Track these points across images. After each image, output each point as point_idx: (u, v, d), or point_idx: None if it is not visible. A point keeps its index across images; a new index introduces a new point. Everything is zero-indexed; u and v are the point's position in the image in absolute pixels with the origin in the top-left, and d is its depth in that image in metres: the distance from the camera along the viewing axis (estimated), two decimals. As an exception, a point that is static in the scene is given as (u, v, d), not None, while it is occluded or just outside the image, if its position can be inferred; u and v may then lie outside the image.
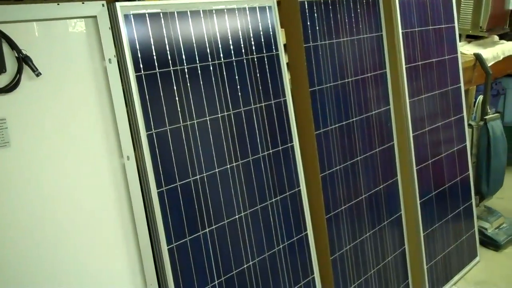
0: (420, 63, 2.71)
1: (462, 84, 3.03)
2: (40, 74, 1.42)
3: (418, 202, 2.70)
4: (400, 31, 2.56)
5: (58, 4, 1.47)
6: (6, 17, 1.38)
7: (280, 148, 2.04)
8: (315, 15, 2.20)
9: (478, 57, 3.39)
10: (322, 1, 2.22)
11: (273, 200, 2.01)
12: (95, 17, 1.55)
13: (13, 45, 1.38)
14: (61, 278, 1.49)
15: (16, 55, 1.39)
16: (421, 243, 2.74)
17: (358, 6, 2.39)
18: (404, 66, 2.58)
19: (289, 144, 2.07)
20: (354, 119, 2.37)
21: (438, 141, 2.86)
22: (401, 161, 2.62)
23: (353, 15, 2.37)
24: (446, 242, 2.92)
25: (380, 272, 2.52)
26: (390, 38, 2.54)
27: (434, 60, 2.83)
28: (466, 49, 3.48)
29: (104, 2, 1.56)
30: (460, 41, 3.28)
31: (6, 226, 1.39)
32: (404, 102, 2.61)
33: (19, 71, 1.39)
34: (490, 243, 3.34)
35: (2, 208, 1.38)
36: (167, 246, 1.68)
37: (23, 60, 1.40)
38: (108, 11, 1.58)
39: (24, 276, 1.42)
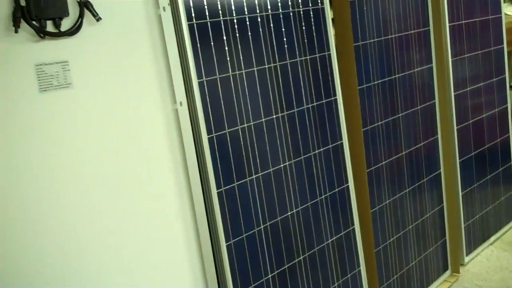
0: (463, 22, 2.70)
1: (505, 45, 3.00)
2: (100, 19, 1.48)
3: (458, 161, 2.72)
4: (445, -12, 2.55)
5: (116, -49, 1.53)
6: (67, -36, 1.44)
7: (324, 101, 2.08)
8: (361, -30, 2.20)
9: (522, 18, 3.33)
10: (367, -44, 2.23)
11: (316, 151, 2.06)
12: (150, -35, 1.60)
13: (75, -10, 1.45)
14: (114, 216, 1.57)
15: (78, 0, 1.45)
16: (459, 202, 2.76)
17: (403, -38, 2.39)
18: (447, 24, 2.58)
19: (332, 98, 2.11)
20: (397, 75, 2.39)
21: (479, 102, 2.86)
22: (442, 119, 2.63)
23: (398, -29, 2.36)
24: (484, 202, 2.94)
25: (418, 228, 2.56)
26: (434, -5, 2.53)
27: (477, 19, 2.81)
28: (509, 10, 3.43)
29: (159, -49, 1.61)
30: (504, 1, 3.23)
31: (67, 163, 1.47)
32: (447, 60, 2.61)
33: (81, 16, 1.46)
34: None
35: (67, 148, 1.46)
36: (217, 190, 1.75)
37: (85, 4, 1.46)
38: (163, -40, 1.62)
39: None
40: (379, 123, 2.32)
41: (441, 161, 2.66)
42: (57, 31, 1.42)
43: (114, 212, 1.56)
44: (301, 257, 2.01)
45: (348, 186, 2.17)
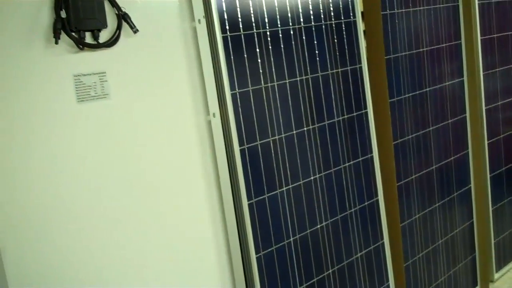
0: (495, 35, 2.67)
1: (537, 59, 2.96)
2: (138, 31, 1.50)
3: (488, 176, 2.68)
4: (477, 1, 2.53)
5: (154, -35, 1.55)
6: (106, -23, 1.46)
7: (355, 114, 2.07)
8: (393, -17, 2.20)
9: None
10: (400, -31, 2.22)
11: (346, 164, 2.05)
12: (186, -22, 1.62)
13: (113, 3, 1.47)
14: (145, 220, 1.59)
15: (116, 12, 1.48)
16: (489, 218, 2.72)
17: (435, -24, 2.38)
18: (479, 38, 2.55)
19: (363, 111, 2.10)
20: (428, 89, 2.37)
21: (510, 116, 2.82)
22: (473, 134, 2.60)
23: (430, -16, 2.36)
24: (515, 218, 2.89)
25: (448, 244, 2.52)
26: (466, 8, 2.51)
27: (509, 33, 2.78)
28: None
29: (196, -36, 1.63)
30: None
31: (104, 171, 1.49)
32: (478, 74, 2.58)
33: (119, 27, 1.48)
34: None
35: (102, 155, 1.48)
36: (248, 201, 1.75)
37: (123, 17, 1.48)
38: (199, -27, 1.65)
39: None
40: (410, 136, 2.30)
41: (472, 175, 2.63)
42: (95, 42, 1.44)
43: (145, 220, 1.57)
44: (330, 271, 2.00)
45: (377, 200, 2.16)
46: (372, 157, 2.14)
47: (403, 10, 2.24)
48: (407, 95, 2.28)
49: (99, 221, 1.48)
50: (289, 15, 1.86)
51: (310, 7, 1.92)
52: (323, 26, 1.97)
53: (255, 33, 1.77)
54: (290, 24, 1.87)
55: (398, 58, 2.24)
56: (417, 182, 2.34)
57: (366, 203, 2.12)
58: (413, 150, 2.32)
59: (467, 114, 2.58)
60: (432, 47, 2.38)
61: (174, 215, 1.64)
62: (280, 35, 1.84)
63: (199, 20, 1.65)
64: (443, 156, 2.47)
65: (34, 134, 1.36)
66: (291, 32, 1.87)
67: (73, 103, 1.42)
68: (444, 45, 2.43)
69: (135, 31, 1.50)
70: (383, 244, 2.19)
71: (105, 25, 1.46)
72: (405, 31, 2.26)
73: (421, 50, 2.33)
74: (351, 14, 2.05)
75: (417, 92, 2.32)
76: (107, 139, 1.49)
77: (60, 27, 1.36)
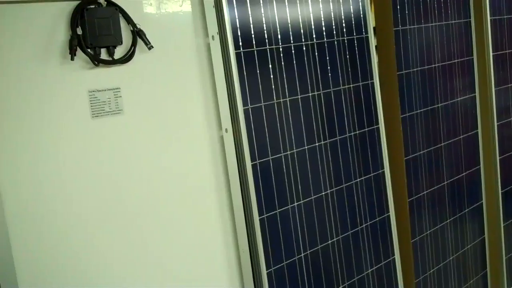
0: (507, 51, 2.67)
1: (550, 75, 2.95)
2: (152, 47, 1.52)
3: (500, 192, 2.67)
4: (489, 18, 2.53)
5: (169, -18, 1.57)
6: (121, -7, 1.49)
7: (366, 129, 2.07)
8: (405, -1, 2.21)
9: None
10: (412, -14, 2.23)
11: (358, 180, 2.05)
12: (201, -5, 1.64)
13: (128, 19, 1.49)
14: (156, 238, 1.59)
15: (131, 28, 1.49)
16: (501, 234, 2.70)
17: (448, -8, 2.38)
18: (491, 54, 2.55)
19: (374, 126, 2.10)
20: (439, 104, 2.37)
21: (522, 132, 2.81)
22: (485, 150, 2.59)
23: (442, 0, 2.36)
24: (527, 235, 2.87)
25: (459, 260, 2.51)
26: (479, 24, 2.52)
27: (522, 49, 2.77)
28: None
29: (210, -19, 1.65)
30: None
31: (117, 186, 1.50)
32: (490, 90, 2.58)
33: (134, 44, 1.50)
34: None
35: (115, 166, 1.49)
36: (259, 216, 1.75)
37: (138, 33, 1.50)
38: (213, -10, 1.66)
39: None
40: (421, 152, 2.30)
41: (483, 191, 2.62)
42: (110, 58, 1.46)
43: (156, 235, 1.58)
44: (341, 286, 1.99)
45: (389, 216, 2.15)
46: (383, 173, 2.13)
47: (415, 26, 2.25)
48: (418, 111, 2.28)
49: (114, 232, 1.49)
50: (302, 31, 1.87)
51: (323, 23, 1.93)
52: (336, 42, 1.97)
53: (268, 49, 1.79)
54: (303, 40, 1.88)
55: (410, 73, 2.24)
56: (428, 198, 2.34)
57: (377, 219, 2.11)
58: (424, 166, 2.32)
59: (479, 130, 2.58)
60: (444, 63, 2.38)
61: (185, 229, 1.64)
62: (293, 51, 1.85)
63: (212, 36, 1.66)
64: (454, 171, 2.46)
65: (48, 149, 1.38)
66: (304, 48, 1.88)
67: (87, 118, 1.44)
68: (456, 60, 2.43)
69: (150, 47, 1.51)
70: (394, 260, 2.18)
71: (120, 42, 1.47)
72: (417, 47, 2.26)
73: (433, 66, 2.33)
74: (363, 30, 2.05)
75: (429, 108, 2.32)
76: (120, 154, 1.50)
77: (76, 44, 1.38)
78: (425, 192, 2.32)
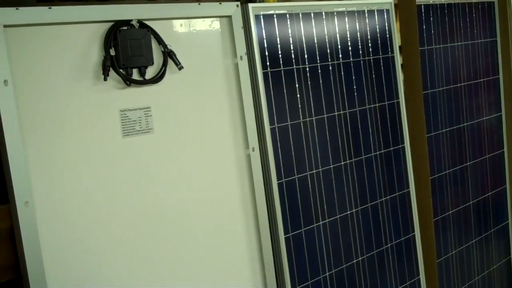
0: (534, 70, 2.65)
1: None
2: (183, 67, 1.55)
3: (527, 212, 2.64)
4: (515, 37, 2.52)
5: (199, 4, 1.60)
6: (152, 14, 1.52)
7: (392, 148, 2.08)
8: (431, 18, 2.22)
9: None
10: (438, 5, 2.24)
11: (383, 199, 2.05)
12: (230, 16, 1.66)
13: (160, 40, 1.52)
14: (186, 261, 1.61)
15: (162, 49, 1.52)
16: (527, 255, 2.67)
17: (473, 11, 2.38)
18: (517, 73, 2.54)
19: (400, 146, 2.10)
20: (465, 124, 2.36)
21: (549, 151, 2.78)
22: (511, 169, 2.57)
23: (468, 19, 2.36)
24: (554, 255, 2.83)
25: (485, 280, 2.48)
26: (505, 44, 2.51)
27: (548, 67, 2.75)
28: None
29: (239, 3, 1.67)
30: None
31: (146, 204, 1.52)
32: (516, 109, 2.56)
33: (165, 64, 1.52)
34: None
35: (145, 185, 1.52)
36: (284, 235, 1.76)
37: (169, 54, 1.53)
38: (242, 11, 1.69)
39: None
40: (447, 171, 2.29)
41: (509, 211, 2.59)
42: (142, 79, 1.49)
43: (183, 254, 1.60)
44: (365, 306, 1.99)
45: (414, 235, 2.14)
46: (409, 192, 2.13)
47: (441, 46, 2.25)
48: (444, 130, 2.28)
49: (141, 252, 1.51)
50: (328, 51, 1.89)
51: (349, 43, 1.95)
52: (361, 62, 1.99)
53: (294, 69, 1.80)
54: (329, 59, 1.90)
55: (435, 93, 2.24)
56: (453, 218, 2.32)
57: (402, 238, 2.11)
58: (450, 185, 2.31)
59: (505, 149, 2.56)
60: (470, 82, 2.38)
61: (212, 247, 1.66)
62: (319, 71, 1.87)
63: (241, 57, 1.69)
64: (480, 191, 2.44)
65: (80, 168, 1.41)
66: (330, 68, 1.90)
67: (118, 137, 1.47)
68: (481, 80, 2.43)
69: (180, 67, 1.54)
70: (419, 280, 2.16)
71: (151, 62, 1.50)
72: (443, 66, 2.27)
73: (458, 85, 2.33)
74: (389, 49, 2.06)
75: (455, 127, 2.32)
76: (150, 172, 1.52)
77: (109, 65, 1.41)
78: (450, 212, 2.30)
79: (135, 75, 1.49)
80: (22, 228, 1.31)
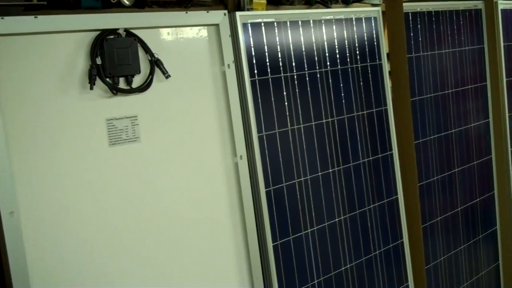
0: (521, 77, 2.67)
1: None
2: (170, 76, 1.55)
3: (515, 218, 2.65)
4: (502, 44, 2.54)
5: (186, 12, 1.60)
6: (139, 23, 1.52)
7: (380, 155, 2.08)
8: (418, 26, 2.23)
9: None
10: (425, 12, 2.25)
11: (371, 206, 2.05)
12: (217, 25, 1.66)
13: (146, 49, 1.52)
14: (174, 269, 1.61)
15: (149, 58, 1.52)
16: (516, 260, 2.68)
17: (461, 18, 2.40)
18: (505, 80, 2.55)
19: (388, 152, 2.11)
20: (453, 130, 2.37)
21: (537, 157, 2.79)
22: (499, 175, 2.59)
23: (455, 26, 2.38)
24: (542, 261, 2.84)
25: (473, 286, 2.49)
26: (492, 51, 2.53)
27: (535, 74, 2.77)
28: None
29: (226, 12, 1.68)
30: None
31: (132, 212, 1.52)
32: (504, 116, 2.58)
33: (151, 73, 1.52)
34: None
35: (131, 194, 1.51)
36: (272, 243, 1.76)
37: (156, 63, 1.53)
38: (229, 19, 1.69)
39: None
40: (435, 178, 2.30)
41: (497, 217, 2.60)
42: (128, 87, 1.49)
43: (170, 262, 1.59)
44: (354, 313, 1.99)
45: (402, 242, 2.15)
46: (397, 199, 2.14)
47: (429, 53, 2.26)
48: (432, 137, 2.29)
49: (128, 261, 1.51)
50: (316, 58, 1.90)
51: (337, 51, 1.95)
52: (349, 69, 1.99)
53: (282, 77, 1.81)
54: (317, 67, 1.90)
55: (423, 100, 2.25)
56: (442, 224, 2.33)
57: (391, 245, 2.11)
58: (438, 192, 2.32)
59: (493, 155, 2.57)
60: (458, 89, 2.39)
61: (200, 255, 1.65)
62: (307, 78, 1.87)
63: (228, 65, 1.69)
64: (468, 197, 2.45)
65: (67, 178, 1.40)
66: (318, 76, 1.90)
67: (105, 146, 1.46)
68: (469, 86, 2.44)
69: (167, 76, 1.54)
70: (407, 286, 2.17)
71: (138, 71, 1.50)
72: (431, 73, 2.28)
73: (446, 92, 2.34)
74: (377, 57, 2.07)
75: (442, 134, 2.33)
76: (137, 181, 1.52)
77: (95, 74, 1.41)
78: (439, 218, 2.31)
79: (122, 84, 1.48)
80: (7, 238, 1.30)
